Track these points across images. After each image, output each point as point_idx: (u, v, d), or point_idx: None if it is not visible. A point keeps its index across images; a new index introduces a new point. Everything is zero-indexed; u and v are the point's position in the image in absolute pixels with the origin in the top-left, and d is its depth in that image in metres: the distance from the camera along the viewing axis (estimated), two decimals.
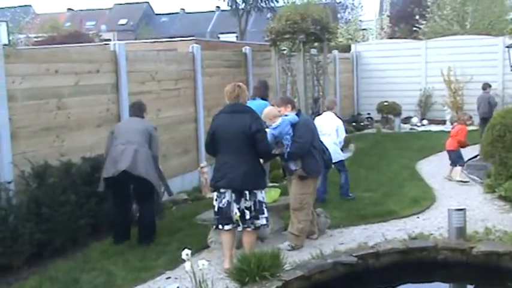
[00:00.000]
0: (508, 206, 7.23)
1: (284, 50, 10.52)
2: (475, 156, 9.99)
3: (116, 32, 51.23)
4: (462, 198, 7.77)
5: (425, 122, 15.87)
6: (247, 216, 5.24)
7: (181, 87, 8.66)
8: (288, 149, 5.80)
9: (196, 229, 6.38)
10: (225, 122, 5.33)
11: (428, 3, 24.21)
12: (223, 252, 5.43)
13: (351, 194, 7.86)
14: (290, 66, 10.34)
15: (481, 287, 5.40)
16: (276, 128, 5.76)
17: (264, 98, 7.86)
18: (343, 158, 8.00)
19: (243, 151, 5.24)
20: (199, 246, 6.01)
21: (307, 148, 5.83)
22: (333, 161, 6.93)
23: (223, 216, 5.29)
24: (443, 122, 15.44)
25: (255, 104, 7.25)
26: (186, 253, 4.34)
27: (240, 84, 5.55)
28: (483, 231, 6.08)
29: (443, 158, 10.85)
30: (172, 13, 59.92)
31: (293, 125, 5.82)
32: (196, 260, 4.60)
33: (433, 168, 9.91)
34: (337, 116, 7.98)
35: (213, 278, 4.84)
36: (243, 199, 5.23)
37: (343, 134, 7.88)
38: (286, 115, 5.88)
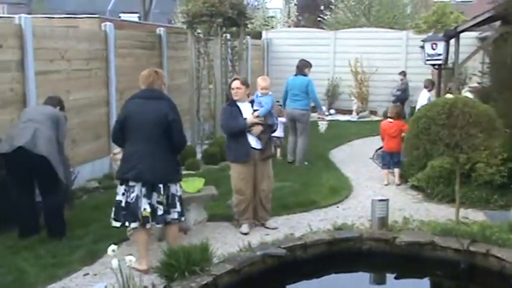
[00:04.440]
0: (420, 196, 7.48)
1: (200, 33, 10.19)
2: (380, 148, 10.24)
3: (5, 5, 47.63)
4: (377, 187, 7.95)
5: (332, 111, 16.21)
6: (160, 212, 4.86)
7: (92, 68, 8.09)
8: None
9: None
10: (138, 108, 4.91)
11: None
12: (140, 252, 4.94)
13: None
14: (207, 50, 10.03)
15: (403, 276, 5.51)
16: (267, 105, 6.05)
17: (304, 74, 9.30)
18: None
19: (157, 140, 4.85)
20: (118, 239, 5.60)
21: None
22: None
23: (131, 212, 4.82)
24: (350, 112, 15.86)
25: (297, 79, 9.28)
26: (112, 249, 4.01)
27: (158, 70, 5.22)
28: (402, 220, 6.22)
29: (353, 147, 11.21)
30: None
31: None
32: (116, 254, 4.23)
33: (346, 158, 10.10)
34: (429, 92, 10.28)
35: (139, 274, 4.52)
36: (155, 193, 4.84)
37: None
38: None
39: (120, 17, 44.52)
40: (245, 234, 5.87)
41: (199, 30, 10.15)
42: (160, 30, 10.24)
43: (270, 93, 6.17)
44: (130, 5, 47.24)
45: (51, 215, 5.69)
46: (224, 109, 6.24)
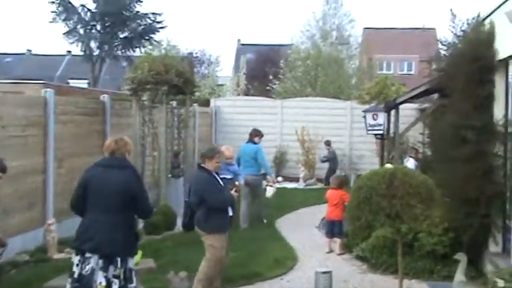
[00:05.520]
0: (365, 266, 7.39)
1: (145, 100, 10.11)
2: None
3: None
4: (322, 258, 7.83)
5: (280, 178, 16.20)
6: (115, 286, 4.56)
7: (29, 135, 7.80)
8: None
9: None
10: (99, 176, 4.70)
11: (281, 65, 25.42)
12: None
13: None
14: (152, 118, 9.93)
15: None
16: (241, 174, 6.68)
17: (254, 142, 9.85)
18: None
19: (118, 211, 4.62)
20: None
21: None
22: None
23: (84, 285, 4.53)
24: (297, 179, 15.89)
25: (247, 147, 9.87)
26: None
27: (119, 138, 4.95)
28: None
29: (300, 215, 11.11)
30: (18, 53, 56.41)
31: None
32: None
33: (292, 226, 9.98)
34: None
35: None
36: (111, 266, 4.55)
37: None
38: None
39: (68, 82, 44.25)
40: None
41: (144, 98, 10.08)
42: (105, 97, 10.09)
43: (233, 161, 6.52)
44: (79, 71, 47.05)
45: None
46: (204, 178, 5.91)
